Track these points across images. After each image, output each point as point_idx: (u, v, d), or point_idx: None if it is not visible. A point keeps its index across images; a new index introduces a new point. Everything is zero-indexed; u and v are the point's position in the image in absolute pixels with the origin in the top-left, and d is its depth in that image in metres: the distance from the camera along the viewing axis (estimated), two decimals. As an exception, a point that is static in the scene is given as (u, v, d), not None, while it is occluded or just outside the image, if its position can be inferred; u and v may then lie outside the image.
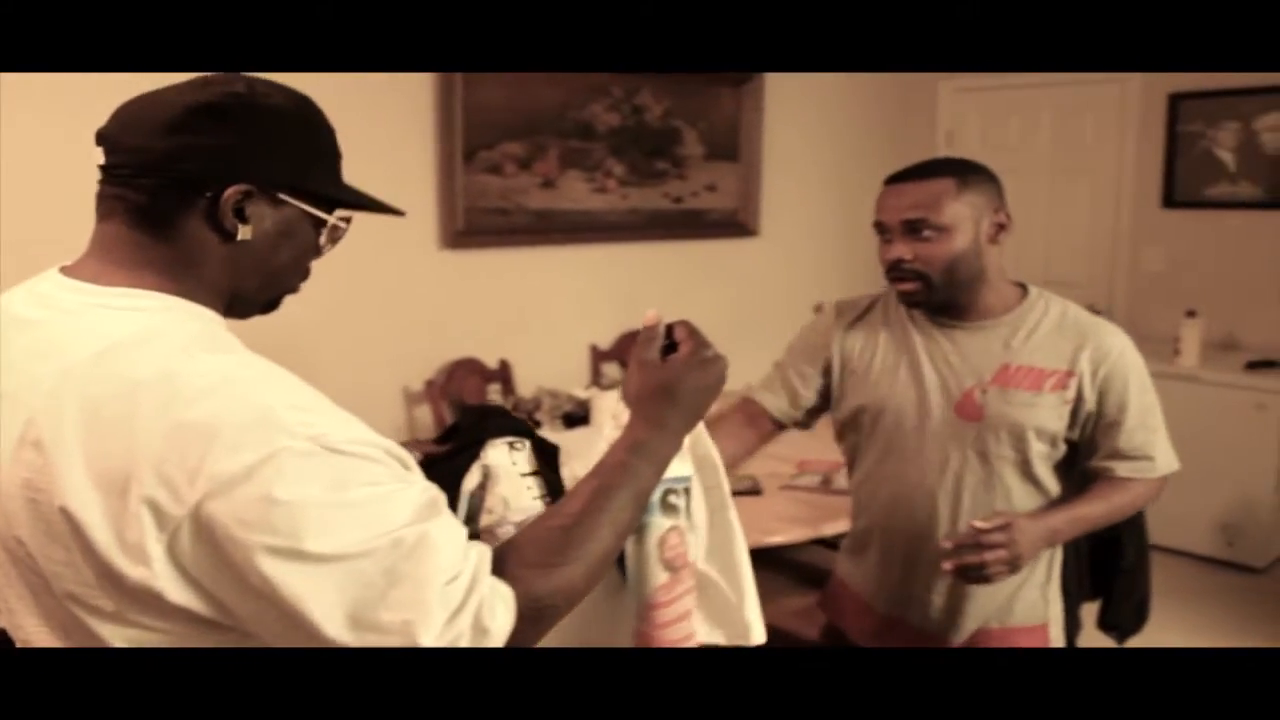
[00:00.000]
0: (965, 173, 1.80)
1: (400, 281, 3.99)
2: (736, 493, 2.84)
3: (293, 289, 1.13)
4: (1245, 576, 4.25)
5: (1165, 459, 1.86)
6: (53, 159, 2.67)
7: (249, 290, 1.06)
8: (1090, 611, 2.35)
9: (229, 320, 1.08)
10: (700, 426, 1.24)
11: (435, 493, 0.94)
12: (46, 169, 2.79)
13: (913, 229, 1.77)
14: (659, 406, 1.12)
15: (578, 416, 3.67)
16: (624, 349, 4.61)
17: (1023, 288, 1.91)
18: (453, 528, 0.93)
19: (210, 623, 0.89)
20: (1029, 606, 1.90)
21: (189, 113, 0.96)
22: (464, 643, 0.88)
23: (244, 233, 0.99)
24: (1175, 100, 4.81)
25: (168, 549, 0.84)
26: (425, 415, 4.06)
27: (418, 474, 0.96)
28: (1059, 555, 1.95)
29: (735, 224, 5.06)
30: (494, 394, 4.14)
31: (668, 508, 1.20)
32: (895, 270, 1.80)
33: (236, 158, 0.98)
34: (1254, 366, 4.28)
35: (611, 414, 1.23)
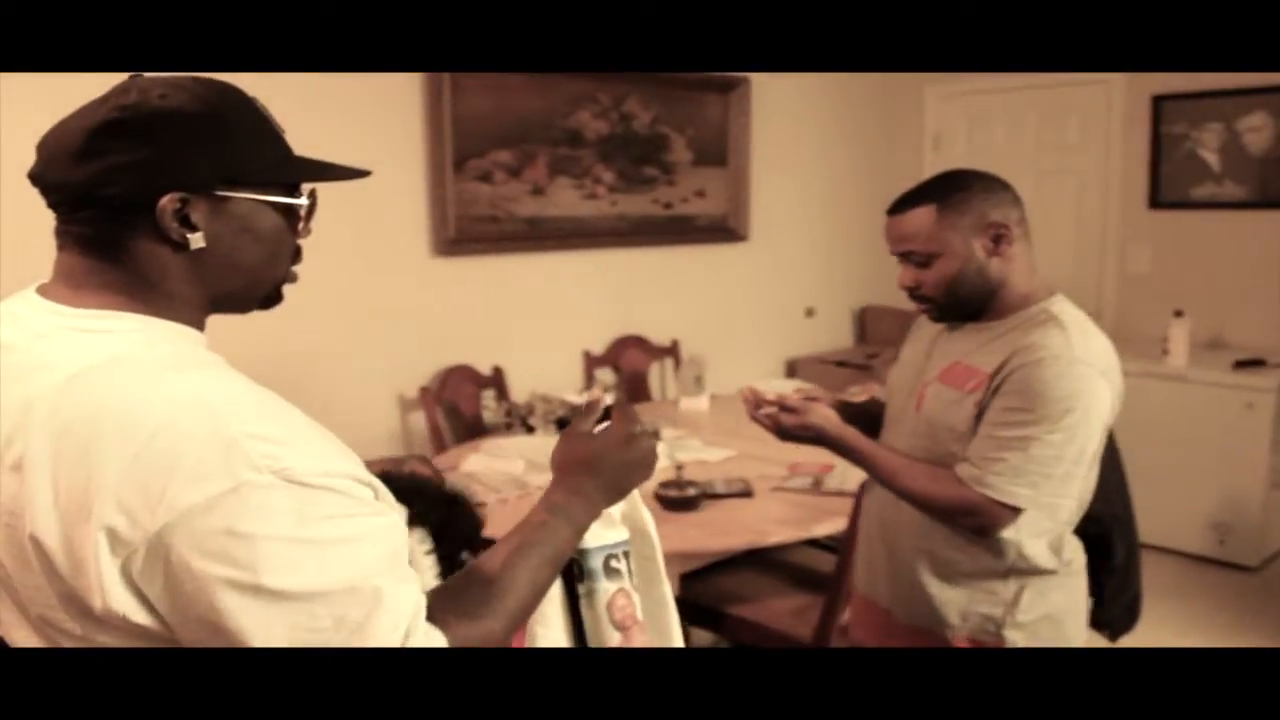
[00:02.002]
0: (948, 194, 1.81)
1: (393, 290, 4.00)
2: (729, 495, 2.86)
3: (283, 277, 1.10)
4: (1237, 575, 4.27)
5: (1001, 487, 1.73)
6: None
7: (231, 291, 1.04)
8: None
9: (233, 319, 1.08)
10: (636, 498, 1.29)
11: (399, 542, 0.95)
12: None
13: (908, 258, 1.85)
14: (579, 475, 1.16)
15: (571, 421, 3.68)
16: (616, 354, 4.62)
17: (1049, 295, 1.89)
18: (406, 583, 0.93)
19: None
20: (977, 620, 1.89)
21: (91, 136, 0.94)
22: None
23: (196, 240, 0.97)
24: (1159, 102, 4.84)
25: (122, 572, 0.84)
26: (419, 422, 4.07)
27: (388, 501, 0.97)
28: (1033, 595, 1.89)
29: (724, 229, 5.08)
30: (488, 400, 4.14)
31: (610, 571, 1.25)
32: (910, 295, 1.90)
33: (156, 169, 0.94)
34: (1242, 365, 4.30)
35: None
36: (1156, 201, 4.93)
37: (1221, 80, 4.57)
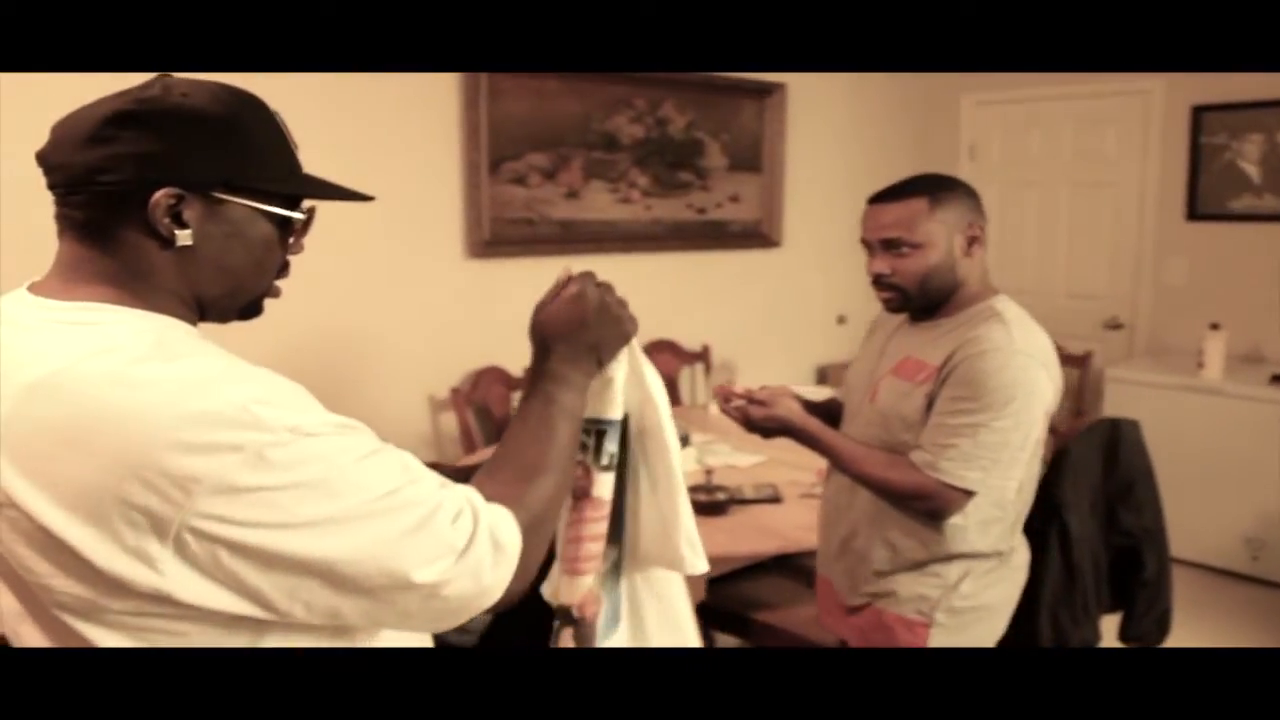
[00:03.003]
0: (939, 191, 1.95)
1: (426, 290, 4.03)
2: (758, 501, 2.86)
3: (264, 290, 1.10)
4: (1269, 591, 4.22)
5: (954, 471, 1.86)
6: None
7: (214, 295, 1.04)
8: (1111, 624, 2.35)
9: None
10: (645, 371, 1.33)
11: (407, 456, 0.98)
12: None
13: (890, 246, 1.96)
14: (559, 342, 1.22)
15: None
16: (648, 358, 4.61)
17: (994, 295, 2.02)
18: (430, 478, 0.98)
19: (221, 619, 0.90)
20: (913, 599, 2.02)
21: (104, 123, 0.95)
22: (487, 565, 0.96)
23: (183, 237, 0.97)
24: (1199, 112, 4.80)
25: (176, 553, 0.85)
26: (450, 423, 4.09)
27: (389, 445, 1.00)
28: (975, 584, 2.01)
29: (758, 235, 5.08)
30: (517, 401, 4.16)
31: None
32: (877, 283, 2.01)
33: (158, 162, 0.95)
34: (1279, 379, 4.25)
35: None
36: (1194, 213, 4.89)
37: (1264, 90, 4.53)
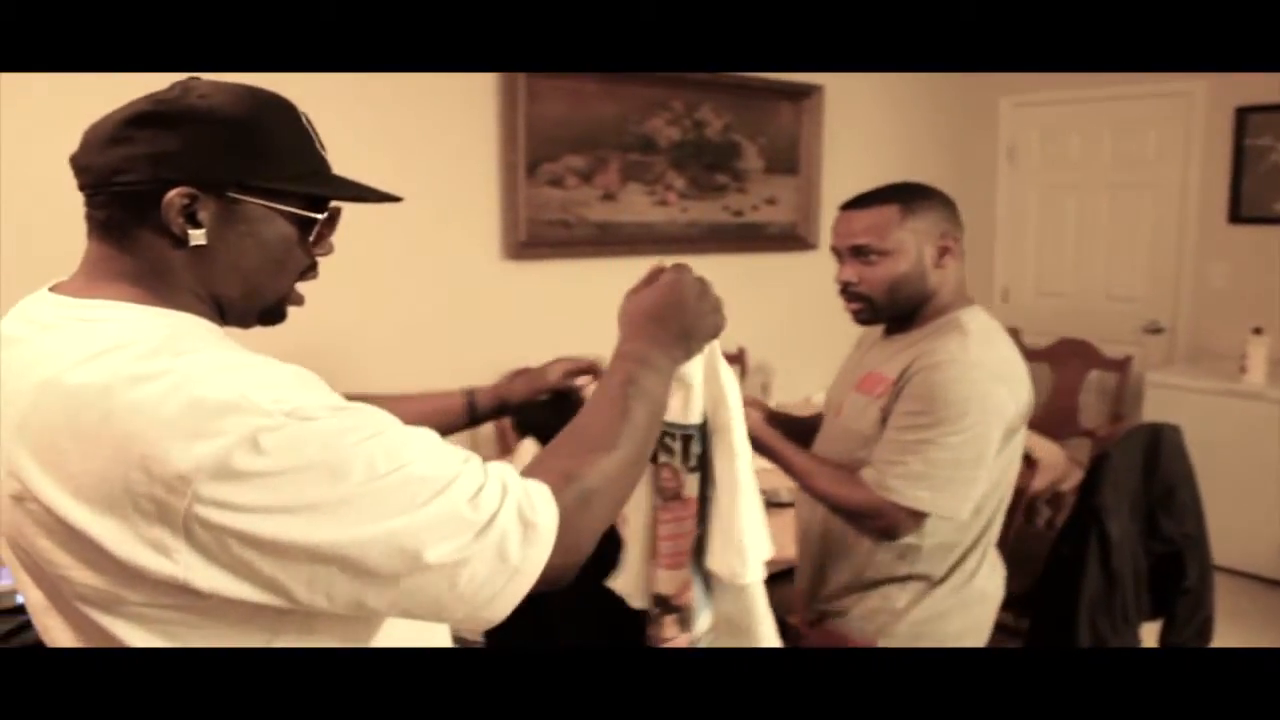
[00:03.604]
0: (912, 199, 1.90)
1: (463, 292, 4.05)
2: (793, 504, 2.85)
3: (285, 293, 1.09)
4: (1313, 599, 4.17)
5: (901, 490, 1.77)
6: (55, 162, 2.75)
7: (231, 296, 1.04)
8: (1151, 631, 2.33)
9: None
10: (721, 371, 1.33)
11: (423, 433, 0.96)
12: (47, 171, 2.78)
13: (859, 253, 1.91)
14: (648, 325, 1.21)
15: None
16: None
17: (966, 306, 1.95)
18: (450, 454, 0.95)
19: (242, 613, 0.91)
20: (862, 618, 1.96)
21: (124, 124, 0.97)
22: (514, 543, 0.92)
23: (197, 237, 0.98)
24: (1243, 113, 4.74)
25: (187, 541, 0.85)
26: (486, 424, 4.11)
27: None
28: (928, 612, 1.93)
29: (794, 237, 5.07)
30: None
31: (663, 448, 1.33)
32: (844, 292, 1.96)
33: (173, 162, 0.96)
34: (1323, 385, 4.20)
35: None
36: (1237, 216, 4.83)
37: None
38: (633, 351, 1.17)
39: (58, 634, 0.99)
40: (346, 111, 3.52)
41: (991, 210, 5.74)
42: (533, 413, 1.65)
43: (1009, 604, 3.07)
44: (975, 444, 1.76)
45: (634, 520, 1.42)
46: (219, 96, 0.99)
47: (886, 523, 1.79)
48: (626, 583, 1.42)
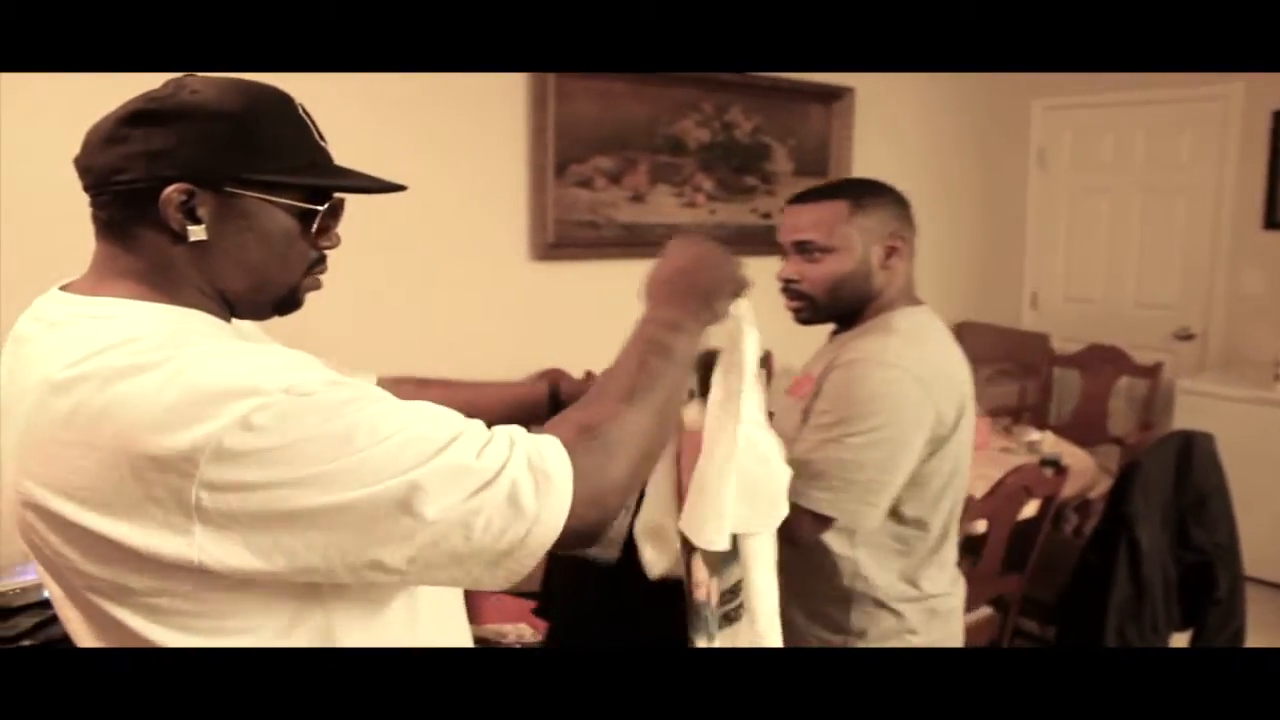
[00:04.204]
0: (862, 196, 1.83)
1: (490, 292, 4.06)
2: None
3: (294, 284, 1.09)
4: (1345, 611, 4.11)
5: (800, 490, 1.63)
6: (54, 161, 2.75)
7: (238, 290, 1.04)
8: (1181, 642, 2.31)
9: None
10: (744, 338, 1.36)
11: (426, 405, 0.96)
12: (47, 171, 2.75)
13: (803, 249, 1.82)
14: (669, 293, 1.23)
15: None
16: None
17: (908, 306, 1.88)
18: (453, 416, 0.96)
19: (260, 598, 0.92)
20: (807, 635, 1.83)
21: (119, 123, 0.97)
22: (527, 492, 0.92)
23: (197, 232, 0.98)
24: (1280, 118, 4.70)
25: (203, 524, 0.85)
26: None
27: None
28: (882, 637, 1.80)
29: (822, 240, 5.05)
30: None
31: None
32: (785, 290, 1.87)
33: (168, 159, 0.96)
34: (1358, 394, 4.15)
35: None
36: (1272, 221, 4.78)
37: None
38: (655, 315, 1.19)
39: (75, 626, 1.00)
40: (376, 111, 3.54)
41: (1021, 214, 5.70)
42: None
43: (1033, 612, 3.06)
44: (883, 447, 1.66)
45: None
46: (210, 91, 0.99)
47: (788, 526, 1.63)
48: (644, 525, 1.40)
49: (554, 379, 1.61)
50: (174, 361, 0.87)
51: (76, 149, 1.01)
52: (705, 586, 1.36)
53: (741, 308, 1.32)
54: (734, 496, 1.31)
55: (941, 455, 1.74)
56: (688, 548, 1.35)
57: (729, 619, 1.38)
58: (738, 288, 1.29)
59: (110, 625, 0.94)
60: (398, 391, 1.46)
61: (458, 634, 1.21)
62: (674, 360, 1.13)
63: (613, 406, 1.04)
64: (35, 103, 2.90)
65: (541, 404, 1.60)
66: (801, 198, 1.85)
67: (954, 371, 1.79)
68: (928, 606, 1.81)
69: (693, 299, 1.22)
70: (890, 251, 1.82)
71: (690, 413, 1.41)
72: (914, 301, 1.88)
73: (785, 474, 1.38)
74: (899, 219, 1.85)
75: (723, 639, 1.36)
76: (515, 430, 0.97)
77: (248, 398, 0.85)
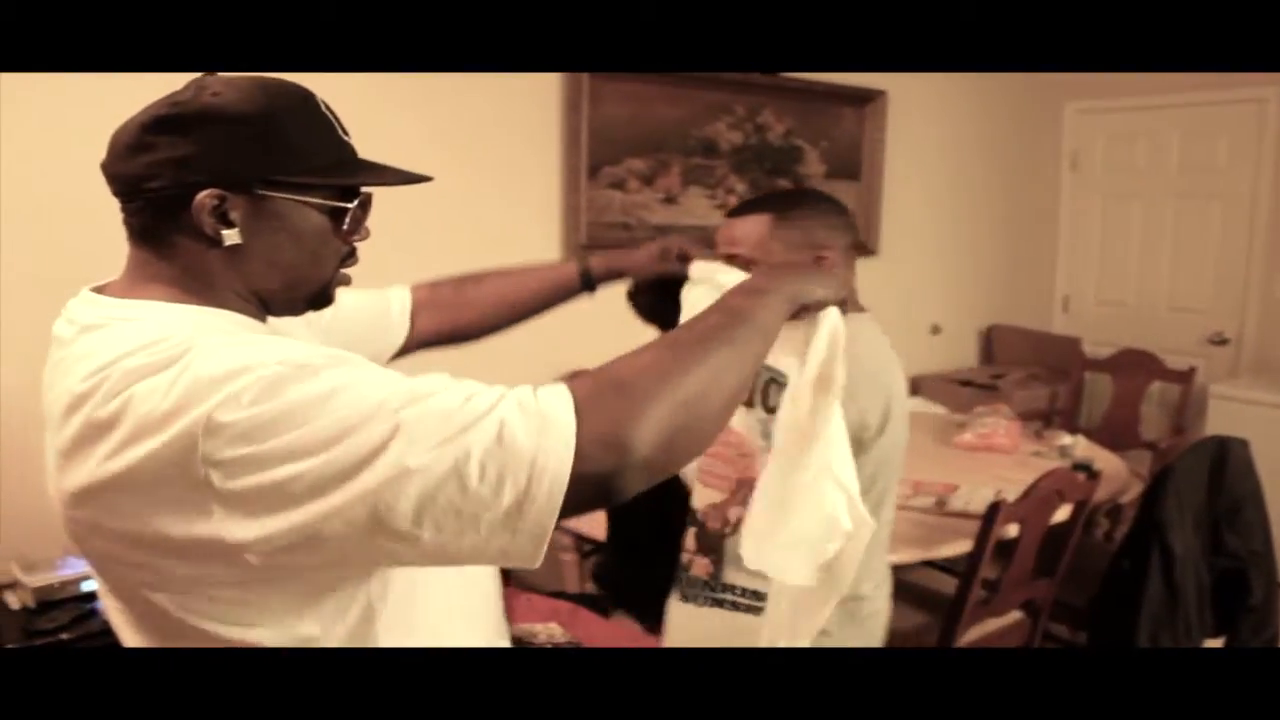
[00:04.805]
0: (787, 208, 1.82)
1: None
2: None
3: (327, 279, 1.09)
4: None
5: None
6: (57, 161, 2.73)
7: (272, 290, 1.05)
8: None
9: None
10: (838, 360, 1.27)
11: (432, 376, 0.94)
12: (49, 170, 2.78)
13: (731, 262, 1.77)
14: (764, 272, 1.18)
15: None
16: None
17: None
18: (431, 376, 0.92)
19: (288, 586, 0.94)
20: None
21: (143, 130, 0.97)
22: (519, 431, 0.85)
23: (231, 236, 0.99)
24: (1317, 123, 4.66)
25: (218, 502, 0.85)
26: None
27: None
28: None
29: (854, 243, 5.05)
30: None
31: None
32: None
33: (195, 165, 0.96)
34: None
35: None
36: (1310, 227, 4.74)
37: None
38: (737, 286, 1.14)
39: (115, 616, 1.03)
40: (410, 113, 3.57)
41: (1054, 218, 5.68)
42: (648, 294, 1.61)
43: (1063, 616, 3.05)
44: None
45: None
46: (232, 93, 0.99)
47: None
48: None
49: (582, 259, 1.62)
50: (184, 358, 0.88)
51: (105, 156, 1.01)
52: (691, 556, 1.42)
53: (834, 317, 1.27)
54: (793, 531, 1.30)
55: (865, 459, 1.74)
56: (689, 518, 1.40)
57: (719, 603, 1.42)
58: (831, 290, 1.23)
59: (155, 615, 0.96)
60: (436, 293, 1.48)
61: (495, 634, 1.23)
62: (748, 323, 1.05)
63: (650, 355, 0.96)
64: (47, 102, 2.91)
65: (574, 284, 1.64)
66: (733, 211, 1.86)
67: (881, 375, 1.79)
68: (845, 610, 1.80)
69: (785, 274, 1.18)
70: (817, 261, 1.80)
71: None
72: (854, 309, 1.89)
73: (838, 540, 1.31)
74: (828, 228, 1.84)
75: (716, 618, 1.41)
76: (507, 387, 0.92)
77: (240, 376, 0.85)
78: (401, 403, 0.85)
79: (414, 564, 0.93)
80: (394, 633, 1.03)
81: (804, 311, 1.22)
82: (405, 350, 1.58)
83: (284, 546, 0.86)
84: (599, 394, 0.89)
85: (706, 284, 1.38)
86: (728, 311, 1.06)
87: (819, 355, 1.27)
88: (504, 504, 0.84)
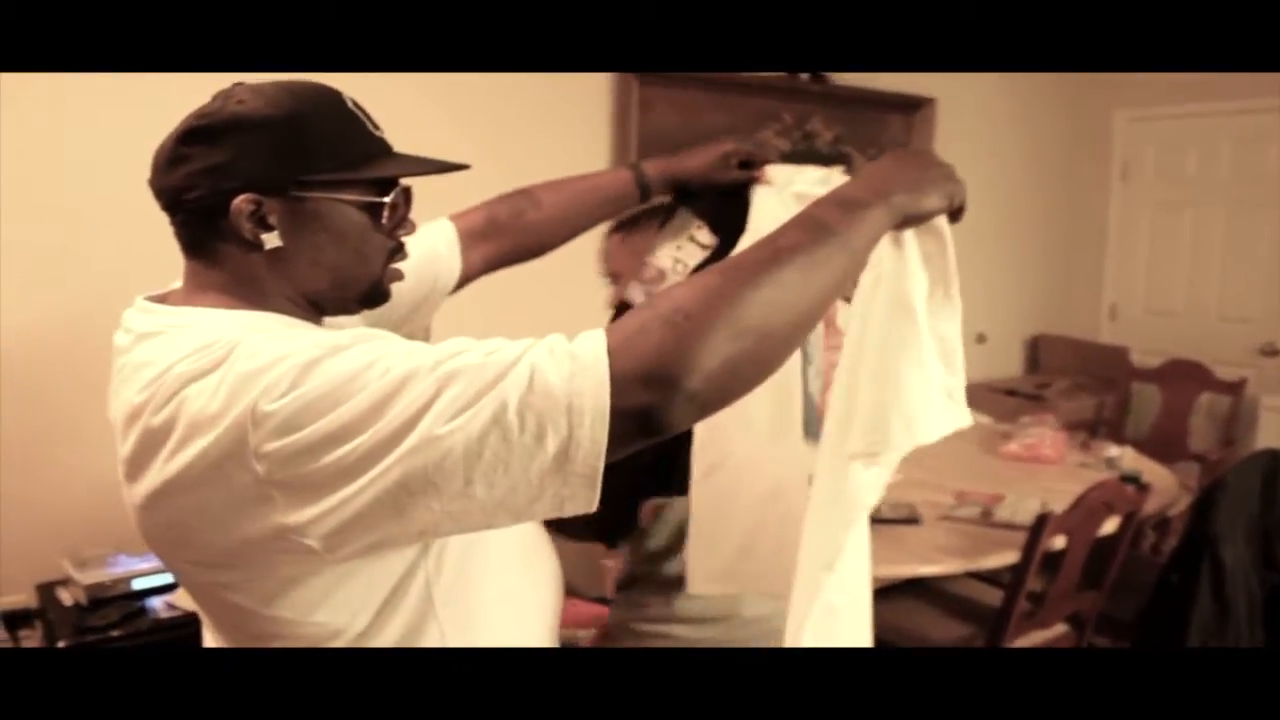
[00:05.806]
0: (635, 221, 1.86)
1: (569, 301, 4.10)
2: (893, 521, 2.84)
3: (376, 276, 1.09)
4: None
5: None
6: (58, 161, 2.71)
7: (320, 290, 1.06)
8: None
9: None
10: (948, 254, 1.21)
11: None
12: (50, 170, 2.74)
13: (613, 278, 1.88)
14: (871, 173, 1.09)
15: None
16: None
17: None
18: (462, 340, 0.91)
19: (350, 579, 0.97)
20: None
21: (177, 143, 1.00)
22: (550, 371, 0.84)
23: (271, 240, 1.00)
24: (1372, 133, 4.59)
25: (277, 490, 0.87)
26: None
27: None
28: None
29: (899, 250, 5.04)
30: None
31: None
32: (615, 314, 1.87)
33: (228, 172, 0.98)
34: None
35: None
36: (1363, 237, 4.67)
37: None
38: (836, 191, 1.04)
39: (190, 603, 1.07)
40: (459, 120, 3.61)
41: (1103, 227, 5.63)
42: (707, 200, 1.58)
43: (1108, 629, 3.03)
44: None
45: None
46: (257, 100, 1.00)
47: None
48: None
49: (635, 166, 1.61)
50: (229, 357, 0.89)
51: (150, 173, 1.04)
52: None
53: (943, 229, 1.14)
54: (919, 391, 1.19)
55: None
56: None
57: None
58: (951, 194, 1.13)
59: (233, 615, 1.01)
60: (492, 220, 1.60)
61: (549, 637, 1.26)
62: (835, 240, 0.96)
63: (710, 279, 0.90)
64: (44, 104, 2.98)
65: (632, 193, 1.62)
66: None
67: None
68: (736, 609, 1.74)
69: (891, 180, 1.06)
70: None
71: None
72: None
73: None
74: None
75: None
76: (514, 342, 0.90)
77: (276, 365, 0.87)
78: (433, 365, 0.85)
79: (481, 526, 0.91)
80: (453, 626, 1.06)
81: (907, 224, 1.11)
82: (465, 281, 1.59)
83: (346, 523, 0.87)
84: (642, 329, 0.86)
85: (783, 191, 1.31)
86: (813, 226, 0.97)
87: (916, 277, 1.15)
88: (550, 451, 0.84)
